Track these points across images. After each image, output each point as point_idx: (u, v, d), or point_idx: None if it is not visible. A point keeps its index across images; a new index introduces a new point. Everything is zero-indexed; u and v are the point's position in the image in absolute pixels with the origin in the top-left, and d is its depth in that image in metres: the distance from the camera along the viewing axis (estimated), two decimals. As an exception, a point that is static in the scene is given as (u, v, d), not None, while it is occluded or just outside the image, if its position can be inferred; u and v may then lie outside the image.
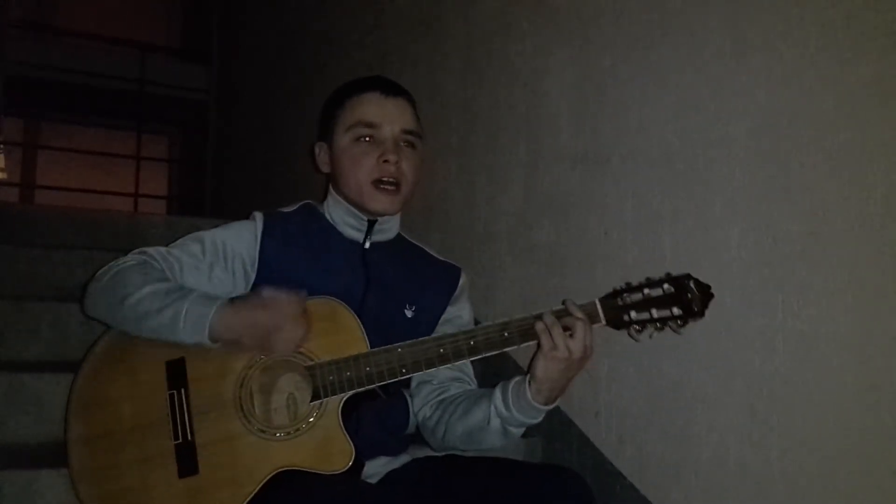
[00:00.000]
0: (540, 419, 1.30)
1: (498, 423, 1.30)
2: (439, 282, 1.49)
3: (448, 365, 1.26)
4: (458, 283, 1.51)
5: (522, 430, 1.33)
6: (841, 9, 1.15)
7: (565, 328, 1.22)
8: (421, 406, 1.43)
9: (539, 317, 1.23)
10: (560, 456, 1.71)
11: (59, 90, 6.40)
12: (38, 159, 7.87)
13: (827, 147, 1.17)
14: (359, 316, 1.28)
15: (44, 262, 2.18)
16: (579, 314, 1.22)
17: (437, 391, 1.43)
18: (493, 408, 1.29)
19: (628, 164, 1.56)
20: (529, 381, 1.25)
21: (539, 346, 1.22)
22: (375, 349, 1.25)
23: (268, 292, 1.24)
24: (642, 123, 1.53)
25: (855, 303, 1.13)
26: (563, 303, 1.25)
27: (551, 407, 1.27)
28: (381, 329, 1.29)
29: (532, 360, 1.25)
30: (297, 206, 1.48)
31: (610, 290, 1.26)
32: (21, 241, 2.46)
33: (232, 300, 1.26)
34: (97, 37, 6.80)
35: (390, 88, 1.42)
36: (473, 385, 1.48)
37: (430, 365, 1.25)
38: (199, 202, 5.82)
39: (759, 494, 1.27)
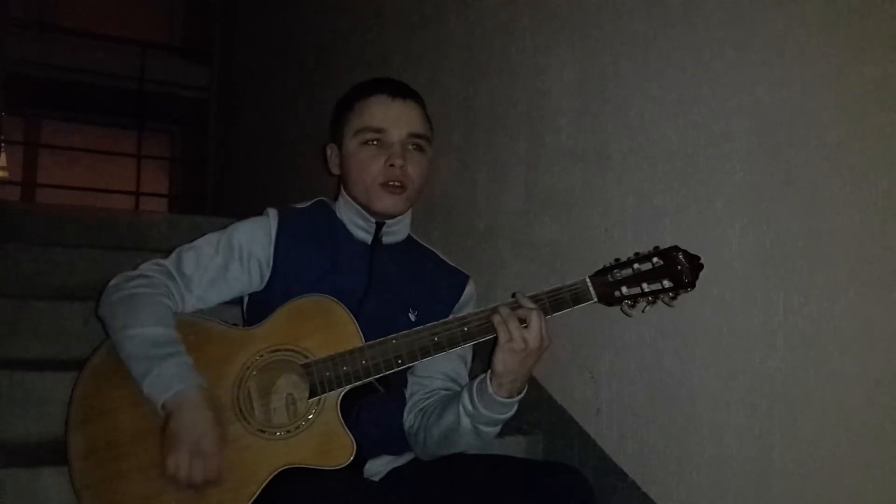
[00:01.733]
0: (509, 414, 1.29)
1: (468, 422, 1.29)
2: (445, 288, 1.49)
3: (443, 353, 1.26)
4: (463, 290, 1.50)
5: (496, 429, 1.32)
6: (841, 6, 1.15)
7: (521, 320, 1.22)
8: (407, 415, 1.42)
9: (495, 309, 1.24)
10: (561, 453, 1.71)
11: (60, 88, 6.42)
12: (40, 158, 7.87)
13: (828, 144, 1.17)
14: (356, 315, 1.28)
15: (45, 261, 2.18)
16: (530, 305, 1.23)
17: (425, 399, 1.42)
18: (460, 407, 1.29)
19: (629, 161, 1.56)
20: (491, 377, 1.25)
21: (496, 339, 1.23)
22: (370, 342, 1.26)
23: (218, 435, 1.18)
24: (643, 120, 1.53)
25: (856, 300, 1.13)
26: (513, 296, 1.26)
27: (515, 400, 1.28)
28: (381, 331, 1.28)
29: (491, 354, 1.25)
30: (311, 202, 1.48)
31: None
32: (22, 239, 2.46)
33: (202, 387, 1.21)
34: (98, 35, 6.80)
35: (397, 91, 1.41)
36: None
37: (425, 353, 1.25)
38: (201, 200, 5.81)
39: (761, 491, 1.27)
